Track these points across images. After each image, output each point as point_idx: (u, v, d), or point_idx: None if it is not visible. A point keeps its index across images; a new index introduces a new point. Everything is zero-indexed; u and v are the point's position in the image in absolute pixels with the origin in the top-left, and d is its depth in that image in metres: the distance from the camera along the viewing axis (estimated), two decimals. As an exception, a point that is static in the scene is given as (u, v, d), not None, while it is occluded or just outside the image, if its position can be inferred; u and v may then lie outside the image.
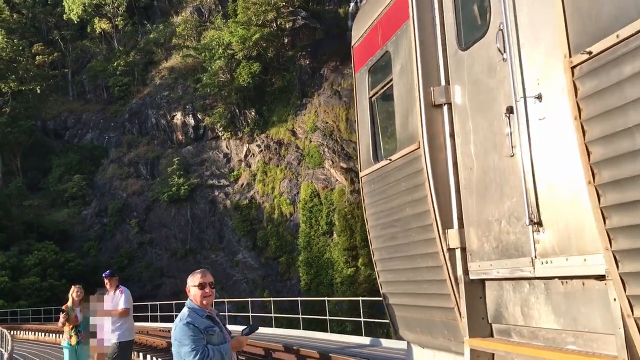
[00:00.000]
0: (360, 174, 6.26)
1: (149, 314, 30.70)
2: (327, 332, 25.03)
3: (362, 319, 19.64)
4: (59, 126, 61.37)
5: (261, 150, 48.93)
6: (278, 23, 53.28)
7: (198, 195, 49.49)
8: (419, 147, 4.64)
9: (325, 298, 27.52)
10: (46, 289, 42.71)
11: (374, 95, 5.94)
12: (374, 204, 5.88)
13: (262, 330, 24.97)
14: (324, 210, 41.80)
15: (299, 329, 24.35)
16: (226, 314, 30.35)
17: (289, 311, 39.85)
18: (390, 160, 5.30)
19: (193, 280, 4.57)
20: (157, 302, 29.98)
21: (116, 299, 9.01)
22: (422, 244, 4.74)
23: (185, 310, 4.44)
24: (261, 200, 46.99)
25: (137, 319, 32.86)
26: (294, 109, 49.12)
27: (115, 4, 63.92)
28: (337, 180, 42.23)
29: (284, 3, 52.85)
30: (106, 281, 9.22)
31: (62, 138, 60.18)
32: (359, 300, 37.14)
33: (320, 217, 41.88)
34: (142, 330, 23.64)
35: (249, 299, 34.45)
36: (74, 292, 9.75)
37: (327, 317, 22.20)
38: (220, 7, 60.30)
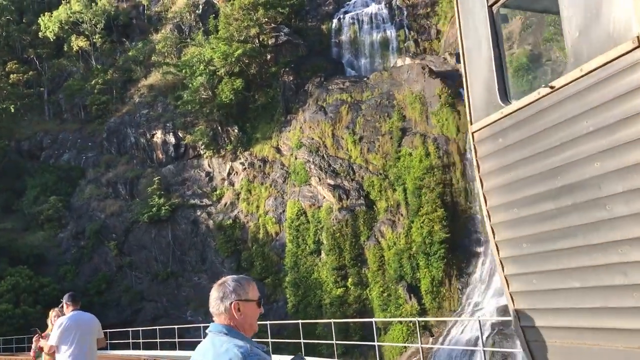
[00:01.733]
0: (472, 129, 4.47)
1: (131, 340, 28.87)
2: (318, 356, 23.61)
3: (375, 343, 18.16)
4: (34, 146, 59.29)
5: (245, 168, 47.55)
6: (260, 39, 52.37)
7: (179, 215, 47.80)
8: (638, 46, 2.89)
9: (332, 320, 25.86)
10: (19, 316, 40.45)
11: (497, 0, 4.08)
12: (503, 170, 4.08)
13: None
14: (312, 229, 40.45)
15: (294, 354, 22.86)
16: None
17: (277, 335, 38.23)
18: (550, 88, 3.52)
19: (249, 292, 3.11)
20: (139, 328, 28.19)
21: None
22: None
23: (241, 343, 2.93)
24: (245, 219, 45.49)
25: (117, 346, 31.05)
26: (278, 125, 47.95)
27: (93, 22, 62.49)
28: (324, 197, 40.97)
29: (266, 19, 52.04)
30: (65, 307, 7.42)
31: (38, 159, 58.09)
32: (347, 323, 35.88)
33: (308, 236, 40.51)
34: None
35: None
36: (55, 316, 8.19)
37: (334, 342, 20.69)
38: (200, 24, 59.26)
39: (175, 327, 25.15)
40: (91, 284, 44.94)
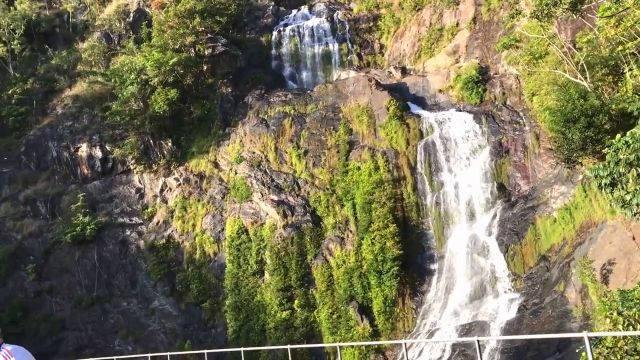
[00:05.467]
0: None
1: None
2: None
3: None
4: (-60, 161, 53.46)
5: (179, 184, 44.39)
6: (196, 49, 49.73)
7: (106, 235, 43.85)
8: None
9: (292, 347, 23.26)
10: None
11: None
12: None
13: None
14: (254, 248, 37.83)
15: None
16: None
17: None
18: None
19: None
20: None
21: None
22: None
23: None
24: (180, 239, 42.22)
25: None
26: (216, 139, 45.26)
27: (11, 27, 57.70)
28: (267, 214, 38.51)
29: (202, 28, 49.56)
30: None
31: (-56, 175, 52.32)
32: (294, 348, 33.34)
33: (250, 256, 37.83)
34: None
35: (168, 353, 29.69)
36: None
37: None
38: (131, 32, 55.89)
39: (113, 358, 21.88)
40: (5, 312, 40.09)
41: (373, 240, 33.11)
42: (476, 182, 32.89)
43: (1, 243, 44.51)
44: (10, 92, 54.04)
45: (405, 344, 16.47)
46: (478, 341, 11.46)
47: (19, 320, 39.93)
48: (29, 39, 59.16)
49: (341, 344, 23.76)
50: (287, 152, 40.52)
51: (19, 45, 57.62)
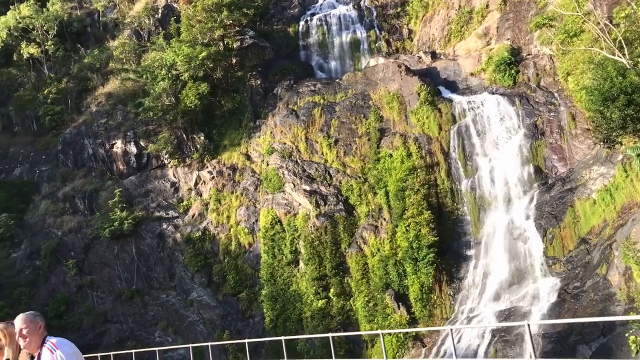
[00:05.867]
0: None
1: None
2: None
3: None
4: (-18, 162, 55.06)
5: (213, 177, 44.79)
6: (225, 42, 49.91)
7: (144, 229, 44.60)
8: None
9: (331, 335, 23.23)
10: (-32, 345, 36.51)
11: None
12: None
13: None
14: (288, 238, 37.97)
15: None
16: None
17: (254, 354, 35.56)
18: None
19: None
20: (110, 353, 24.82)
21: None
22: None
23: None
24: (216, 231, 42.67)
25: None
26: (247, 131, 45.46)
27: (45, 28, 58.85)
28: (300, 204, 38.58)
29: (230, 22, 49.64)
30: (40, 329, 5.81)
31: (-14, 175, 53.89)
32: (335, 336, 33.39)
33: (284, 246, 38.00)
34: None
35: (209, 343, 30.10)
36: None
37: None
38: (160, 28, 56.40)
39: (156, 349, 22.26)
40: (49, 306, 41.21)
41: (407, 228, 32.88)
42: (512, 165, 32.33)
43: (43, 240, 45.72)
44: (45, 92, 55.28)
45: (451, 330, 16.32)
46: (529, 325, 11.27)
47: (62, 314, 41.02)
48: (61, 39, 60.33)
49: (383, 331, 23.72)
50: (317, 142, 40.46)
51: (52, 46, 58.82)
